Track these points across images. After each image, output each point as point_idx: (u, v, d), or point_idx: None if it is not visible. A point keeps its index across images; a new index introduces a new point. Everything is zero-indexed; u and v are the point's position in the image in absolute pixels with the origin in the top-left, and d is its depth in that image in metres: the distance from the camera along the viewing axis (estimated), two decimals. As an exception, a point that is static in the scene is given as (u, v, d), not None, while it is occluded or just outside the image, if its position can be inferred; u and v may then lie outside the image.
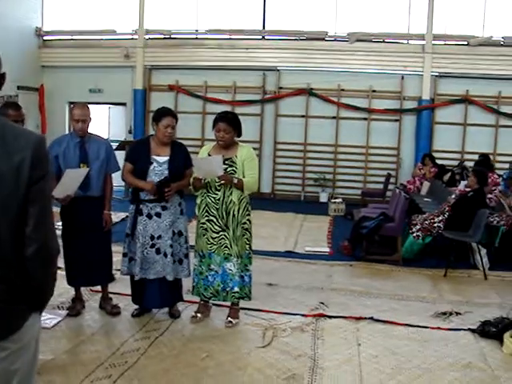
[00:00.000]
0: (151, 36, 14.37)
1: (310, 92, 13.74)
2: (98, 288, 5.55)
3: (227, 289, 5.14)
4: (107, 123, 15.36)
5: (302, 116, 13.88)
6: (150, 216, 5.09)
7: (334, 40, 13.76)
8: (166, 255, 5.07)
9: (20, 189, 1.95)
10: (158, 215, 5.08)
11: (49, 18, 14.84)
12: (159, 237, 5.09)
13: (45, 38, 14.84)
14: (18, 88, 13.42)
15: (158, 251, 5.09)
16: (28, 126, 7.43)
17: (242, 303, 5.38)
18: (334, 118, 13.76)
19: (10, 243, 1.97)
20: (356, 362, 4.52)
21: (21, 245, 1.98)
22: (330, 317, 5.49)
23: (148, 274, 5.11)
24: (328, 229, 10.19)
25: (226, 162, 5.03)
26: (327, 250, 8.48)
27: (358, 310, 5.74)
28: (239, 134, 5.18)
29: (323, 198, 13.56)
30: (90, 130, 5.21)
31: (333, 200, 12.30)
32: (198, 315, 5.29)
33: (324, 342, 4.89)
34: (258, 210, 10.09)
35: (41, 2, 14.69)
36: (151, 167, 5.05)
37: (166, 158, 5.08)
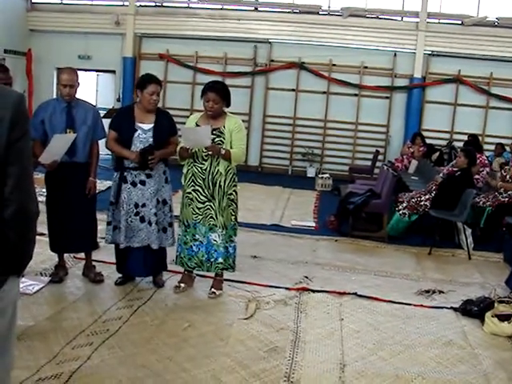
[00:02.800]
0: (142, 3, 14.15)
1: (301, 66, 13.64)
2: (82, 255, 5.51)
3: (211, 259, 5.13)
4: (95, 90, 15.18)
5: (293, 90, 13.79)
6: (134, 184, 5.05)
7: (328, 14, 13.62)
8: (150, 223, 5.05)
9: None
10: (143, 183, 5.04)
11: (38, -20, 14.54)
12: (143, 205, 5.05)
13: (33, 0, 14.53)
14: (5, 52, 13.19)
15: (142, 219, 5.06)
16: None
17: (226, 275, 5.37)
18: (324, 92, 13.69)
19: None
20: (338, 336, 4.53)
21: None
22: (314, 291, 5.49)
23: (132, 242, 5.08)
24: (314, 203, 10.19)
25: (214, 133, 4.97)
26: (313, 224, 8.49)
27: (341, 285, 5.75)
28: (228, 105, 5.12)
29: (311, 172, 13.55)
30: (77, 97, 5.12)
31: (320, 175, 12.29)
32: (182, 285, 5.27)
33: (307, 316, 4.90)
34: (245, 183, 10.09)
35: (30, -37, 14.39)
36: (136, 135, 4.98)
37: (151, 126, 5.02)
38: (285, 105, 13.82)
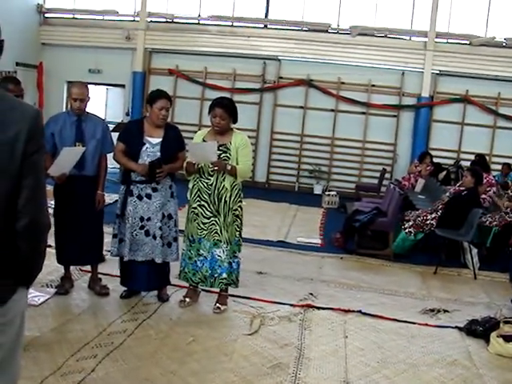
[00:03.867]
0: (153, 19, 14.27)
1: (309, 83, 13.70)
2: (88, 268, 5.53)
3: (215, 275, 5.14)
4: (104, 104, 15.30)
5: (301, 107, 13.84)
6: (140, 197, 5.08)
7: (337, 32, 13.70)
8: (154, 237, 5.06)
9: (14, 162, 1.93)
10: (149, 197, 5.07)
11: (51, -4, 14.72)
12: (149, 219, 5.07)
13: (46, 15, 14.71)
14: (17, 64, 13.32)
15: (147, 233, 5.08)
16: (25, 103, 7.27)
17: (232, 290, 5.38)
18: (332, 110, 13.73)
19: (2, 216, 1.95)
20: (342, 353, 4.53)
21: (12, 218, 1.97)
22: (319, 308, 5.49)
23: (136, 255, 5.09)
24: (321, 221, 10.19)
25: (220, 148, 5.01)
26: (319, 241, 8.49)
27: (346, 302, 5.75)
28: (235, 121, 5.16)
29: (317, 189, 13.56)
30: (87, 111, 5.18)
31: (327, 192, 12.29)
32: (187, 300, 5.28)
33: (311, 333, 4.89)
34: (252, 199, 10.12)
35: (43, -21, 14.57)
36: (144, 148, 5.02)
37: (159, 140, 5.06)
38: (293, 122, 13.87)
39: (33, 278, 2.15)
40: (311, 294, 5.91)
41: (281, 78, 13.93)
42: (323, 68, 13.59)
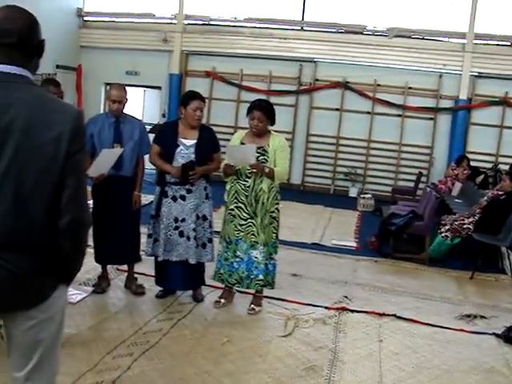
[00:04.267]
0: (190, 21, 14.38)
1: (345, 85, 13.64)
2: (125, 267, 5.62)
3: (251, 276, 5.16)
4: (142, 106, 15.47)
5: (337, 109, 13.78)
6: (174, 198, 5.12)
7: (373, 34, 13.61)
8: (188, 238, 5.11)
9: (58, 161, 1.98)
10: (183, 198, 5.11)
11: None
12: (183, 220, 5.12)
13: (85, 18, 14.94)
14: (57, 67, 13.55)
15: (181, 234, 5.12)
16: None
17: (266, 292, 5.40)
18: (368, 113, 13.64)
19: (45, 215, 2.01)
20: (376, 357, 4.50)
21: (55, 216, 2.02)
22: (353, 311, 5.47)
23: (171, 255, 5.15)
24: (356, 224, 10.13)
25: (258, 151, 5.03)
26: (354, 244, 8.45)
27: (381, 306, 5.71)
28: (272, 123, 5.17)
29: (353, 192, 13.47)
30: (125, 112, 5.26)
31: (362, 195, 12.22)
32: (222, 301, 5.32)
33: (345, 336, 4.88)
34: (287, 201, 10.09)
35: (83, -17, 14.81)
36: (178, 150, 5.06)
37: (194, 142, 5.09)
38: (328, 124, 13.79)
39: (73, 275, 2.21)
40: (346, 296, 5.89)
41: (317, 80, 13.89)
42: (359, 70, 13.52)
